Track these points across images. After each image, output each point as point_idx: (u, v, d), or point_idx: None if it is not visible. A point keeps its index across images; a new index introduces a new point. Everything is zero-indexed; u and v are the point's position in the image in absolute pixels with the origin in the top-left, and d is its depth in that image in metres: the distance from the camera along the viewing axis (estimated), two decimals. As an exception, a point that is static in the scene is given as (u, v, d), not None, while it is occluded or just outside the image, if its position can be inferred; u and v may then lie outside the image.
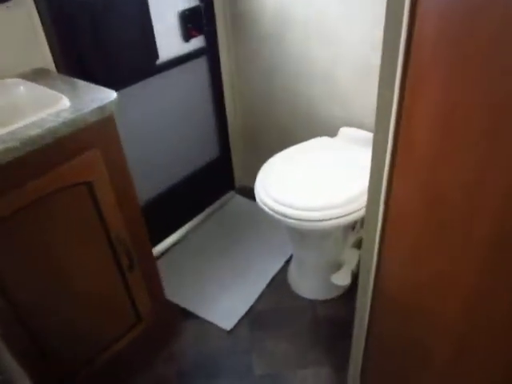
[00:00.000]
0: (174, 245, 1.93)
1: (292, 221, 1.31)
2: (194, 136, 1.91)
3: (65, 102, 1.02)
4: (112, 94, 1.05)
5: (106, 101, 1.02)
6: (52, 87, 1.12)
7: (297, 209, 1.30)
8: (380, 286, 1.01)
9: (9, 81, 1.17)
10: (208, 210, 2.09)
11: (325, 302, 1.64)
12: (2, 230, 0.93)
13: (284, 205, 1.31)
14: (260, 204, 1.39)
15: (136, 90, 1.58)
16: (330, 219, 1.30)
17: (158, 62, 1.62)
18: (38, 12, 1.22)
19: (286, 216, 1.31)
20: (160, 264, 1.80)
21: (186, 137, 1.87)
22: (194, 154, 1.95)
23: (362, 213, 1.33)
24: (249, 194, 2.18)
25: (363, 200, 1.33)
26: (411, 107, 0.74)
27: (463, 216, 0.72)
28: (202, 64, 1.81)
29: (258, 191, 1.40)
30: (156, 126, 1.72)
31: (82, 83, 1.14)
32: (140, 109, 1.63)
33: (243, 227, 1.99)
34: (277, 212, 1.33)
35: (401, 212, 0.86)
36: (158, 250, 1.87)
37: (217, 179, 2.12)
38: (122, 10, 1.43)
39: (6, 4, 1.16)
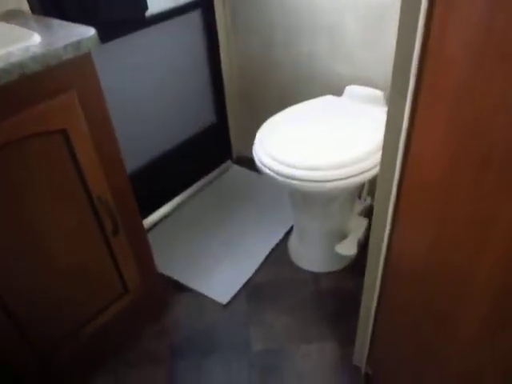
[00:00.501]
0: (167, 216, 1.81)
1: (294, 182, 1.19)
2: (188, 99, 1.77)
3: (35, 38, 0.89)
4: (89, 30, 0.92)
5: (82, 36, 0.89)
6: (22, 26, 0.98)
7: (300, 168, 1.18)
8: (395, 250, 0.89)
9: (-26, 21, 1.03)
10: (203, 181, 1.96)
11: (328, 274, 1.53)
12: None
13: (286, 164, 1.19)
14: (259, 165, 1.26)
15: (122, 44, 1.44)
16: (336, 180, 1.18)
17: (148, 13, 1.48)
18: None
19: (287, 177, 1.19)
20: (151, 236, 1.69)
21: (179, 99, 1.73)
22: (188, 119, 1.82)
23: (371, 173, 1.21)
24: (247, 163, 2.06)
25: (372, 160, 1.22)
26: (437, 48, 0.61)
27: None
28: (195, 18, 1.67)
29: (257, 150, 1.28)
30: (145, 86, 1.58)
31: (56, 22, 1.00)
32: (127, 67, 1.49)
33: (240, 198, 1.87)
34: (277, 173, 1.20)
35: (420, 170, 0.74)
36: (149, 221, 1.75)
37: (213, 147, 1.99)
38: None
39: None
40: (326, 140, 1.26)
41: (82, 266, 1.10)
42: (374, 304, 1.05)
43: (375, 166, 1.22)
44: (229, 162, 2.08)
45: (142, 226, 1.24)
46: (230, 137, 2.05)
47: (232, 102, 1.95)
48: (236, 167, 2.05)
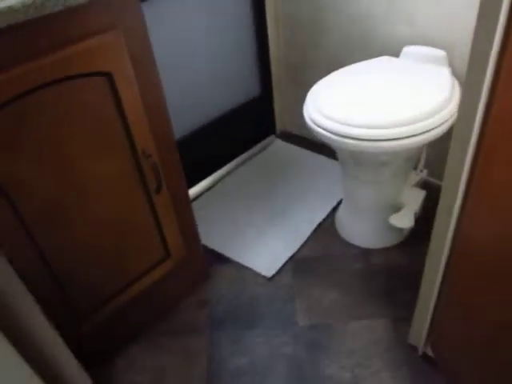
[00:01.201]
0: (210, 188, 1.75)
1: (350, 141, 1.09)
2: (232, 69, 1.70)
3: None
4: (137, -35, 0.86)
5: (129, -30, 0.83)
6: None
7: (355, 126, 1.08)
8: (465, 223, 0.79)
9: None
10: (246, 154, 1.89)
11: (379, 250, 1.43)
12: (5, 116, 0.76)
13: (341, 122, 1.10)
14: (310, 124, 1.17)
15: (162, 4, 1.39)
16: (395, 139, 1.08)
17: (194, -29, 1.42)
18: None
19: (342, 136, 1.10)
20: (194, 208, 1.63)
21: (223, 69, 1.67)
22: (232, 89, 1.75)
23: (432, 134, 1.10)
24: (291, 139, 1.97)
25: (434, 120, 1.10)
26: None
27: None
28: (242, -20, 1.60)
29: (309, 108, 1.19)
30: (190, 50, 1.52)
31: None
32: (172, 26, 1.44)
33: (285, 173, 1.79)
34: (332, 131, 1.11)
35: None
36: (192, 192, 1.70)
37: (256, 121, 1.91)
38: None
39: None
40: (383, 98, 1.15)
41: (124, 222, 1.05)
42: (439, 279, 0.95)
43: (437, 126, 1.11)
44: (273, 137, 2.00)
45: (186, 187, 1.18)
46: (275, 111, 1.96)
47: (278, 73, 1.86)
48: (279, 142, 1.97)
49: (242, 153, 1.89)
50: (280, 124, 2.01)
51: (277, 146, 1.95)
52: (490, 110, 0.65)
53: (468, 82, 0.67)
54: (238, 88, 1.77)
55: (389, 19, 1.44)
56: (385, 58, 1.37)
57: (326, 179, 1.72)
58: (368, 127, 1.07)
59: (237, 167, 1.84)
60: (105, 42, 0.84)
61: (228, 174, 1.81)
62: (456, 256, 0.87)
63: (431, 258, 0.94)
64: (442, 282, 0.95)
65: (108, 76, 0.88)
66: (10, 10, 0.70)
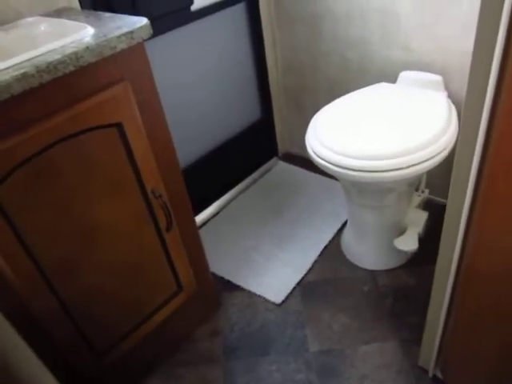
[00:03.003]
0: (216, 215, 1.78)
1: (352, 173, 1.13)
2: (233, 95, 1.74)
3: (88, 30, 0.87)
4: (141, 20, 0.89)
5: (135, 26, 0.87)
6: (75, 20, 0.98)
7: (357, 158, 1.11)
8: (470, 246, 0.82)
9: (29, 19, 1.03)
10: (250, 178, 1.93)
11: (385, 271, 1.45)
12: (23, 174, 0.80)
13: (342, 154, 1.13)
14: (313, 155, 1.21)
15: (168, 39, 1.43)
16: (396, 169, 1.11)
17: (193, 8, 1.46)
18: None
19: (344, 168, 1.13)
20: (201, 235, 1.66)
21: (225, 96, 1.71)
22: (234, 116, 1.79)
23: (433, 162, 1.14)
24: (294, 160, 2.01)
25: (434, 147, 1.14)
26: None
27: None
28: (240, 11, 1.64)
29: (310, 140, 1.23)
30: (191, 82, 1.56)
31: (108, 14, 0.99)
32: (173, 62, 1.48)
33: (289, 195, 1.82)
34: (334, 163, 1.15)
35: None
36: (198, 220, 1.73)
37: (259, 144, 1.95)
38: None
39: None
40: (383, 128, 1.19)
41: (137, 262, 1.08)
42: (446, 303, 0.97)
43: (438, 154, 1.14)
44: (275, 159, 2.03)
45: (194, 221, 1.21)
46: (276, 133, 2.00)
47: (277, 96, 1.90)
48: (282, 164, 2.01)
49: (246, 177, 1.92)
50: (282, 146, 2.05)
51: (280, 167, 1.99)
52: (491, 134, 0.68)
53: (467, 106, 0.70)
54: (239, 114, 1.81)
55: (385, 45, 1.48)
56: (382, 85, 1.41)
57: (330, 200, 1.75)
58: (368, 159, 1.10)
59: (242, 191, 1.87)
60: (114, 94, 0.87)
61: (233, 198, 1.84)
62: (461, 284, 0.90)
63: (437, 285, 0.97)
64: (449, 307, 0.98)
65: (118, 126, 0.91)
66: (25, 75, 0.73)
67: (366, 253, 1.46)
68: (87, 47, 0.80)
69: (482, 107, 0.67)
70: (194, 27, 1.49)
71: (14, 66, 0.76)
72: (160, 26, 1.39)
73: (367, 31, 1.49)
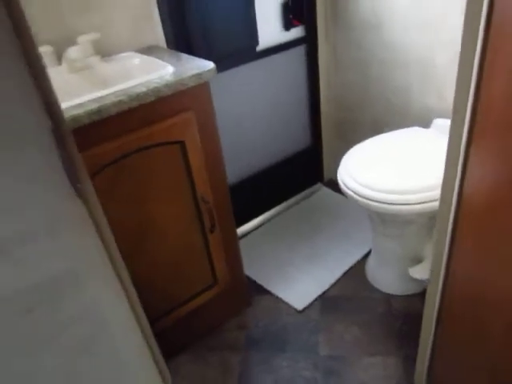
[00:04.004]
0: (257, 228, 2.00)
1: (373, 203, 1.31)
2: (286, 123, 1.98)
3: (168, 69, 1.14)
4: (210, 64, 1.15)
5: (203, 69, 1.13)
6: (159, 58, 1.26)
7: (378, 191, 1.30)
8: (452, 273, 0.98)
9: (125, 54, 1.33)
10: (294, 199, 2.14)
11: (401, 296, 1.60)
12: (110, 172, 1.07)
13: (365, 186, 1.32)
14: (341, 184, 1.40)
15: (234, 73, 1.69)
16: (412, 204, 1.28)
17: (258, 48, 1.72)
18: (156, -5, 1.38)
19: (366, 198, 1.32)
20: (243, 243, 1.89)
21: (278, 124, 1.94)
22: (285, 142, 2.02)
23: (446, 202, 1.29)
24: (336, 187, 2.19)
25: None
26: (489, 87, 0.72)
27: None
28: (300, 52, 1.88)
29: (341, 171, 1.42)
30: (249, 110, 1.82)
31: (185, 56, 1.26)
32: (235, 92, 1.74)
33: (327, 218, 2.01)
34: (357, 193, 1.34)
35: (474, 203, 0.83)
36: (241, 230, 1.96)
37: (305, 169, 2.16)
38: (228, 2, 1.55)
39: (131, -13, 1.33)
40: (407, 166, 1.36)
41: (184, 253, 1.33)
42: (433, 327, 1.12)
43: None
44: (319, 184, 2.23)
45: (234, 227, 1.44)
46: (323, 160, 2.20)
47: (327, 128, 2.11)
48: (326, 189, 2.20)
49: (290, 197, 2.13)
50: (327, 173, 2.24)
51: (323, 193, 2.18)
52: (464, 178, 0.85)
53: (448, 155, 0.87)
54: (290, 140, 2.04)
55: (423, 92, 1.65)
56: (415, 129, 1.57)
57: (362, 227, 1.91)
58: (389, 192, 1.28)
59: (284, 210, 2.09)
60: (182, 119, 1.14)
61: (276, 215, 2.06)
62: (444, 309, 1.05)
63: (427, 310, 1.12)
64: (436, 329, 1.12)
65: (181, 143, 1.17)
66: (120, 102, 1.01)
67: (385, 277, 1.62)
68: (166, 84, 1.07)
69: (458, 157, 0.85)
70: (257, 64, 1.75)
71: (113, 93, 1.04)
72: (228, 62, 1.66)
73: (408, 78, 1.67)
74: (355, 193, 1.34)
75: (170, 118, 1.12)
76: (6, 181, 0.52)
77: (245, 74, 1.73)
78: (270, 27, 1.74)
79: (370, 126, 1.92)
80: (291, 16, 1.77)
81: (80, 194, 0.59)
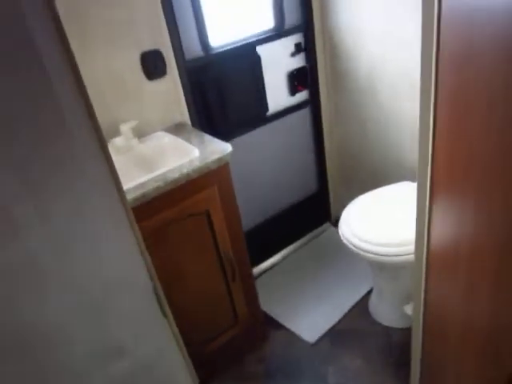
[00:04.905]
0: (271, 267, 2.25)
1: (369, 255, 1.55)
2: (295, 174, 2.23)
3: (195, 153, 1.41)
4: (228, 147, 1.42)
5: (224, 153, 1.39)
6: (187, 140, 1.53)
7: (374, 244, 1.53)
8: (427, 307, 1.21)
9: (158, 133, 1.61)
10: (304, 239, 2.38)
11: (400, 330, 1.81)
12: (152, 242, 1.34)
13: (363, 240, 1.56)
14: (342, 238, 1.64)
15: (248, 137, 1.97)
16: (405, 255, 1.51)
17: (268, 113, 1.99)
18: (181, 83, 1.66)
19: (363, 250, 1.56)
20: (258, 282, 2.14)
21: (287, 175, 2.20)
22: (295, 189, 2.27)
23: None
24: (342, 226, 2.43)
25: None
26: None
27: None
28: (305, 113, 2.14)
29: (341, 226, 1.67)
30: (262, 165, 2.08)
31: (207, 137, 1.53)
32: (250, 152, 2.01)
33: (334, 256, 2.24)
34: (356, 246, 1.58)
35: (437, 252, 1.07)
36: (256, 271, 2.20)
37: (314, 211, 2.40)
38: (241, 77, 1.83)
39: (163, 78, 1.61)
40: (400, 220, 1.59)
41: (210, 299, 1.58)
42: (418, 359, 1.35)
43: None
44: (328, 224, 2.47)
45: (252, 275, 1.70)
46: (330, 202, 2.45)
47: (332, 176, 2.36)
48: (333, 229, 2.43)
49: (301, 237, 2.37)
50: (335, 213, 2.48)
51: (331, 232, 2.42)
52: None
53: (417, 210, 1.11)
54: (299, 187, 2.29)
55: (413, 150, 1.88)
56: (407, 183, 1.81)
57: (367, 265, 2.14)
58: (383, 245, 1.52)
59: (296, 249, 2.33)
60: (207, 195, 1.40)
61: (289, 255, 2.30)
62: (424, 342, 1.27)
63: (414, 342, 1.34)
64: (421, 360, 1.34)
65: (206, 212, 1.43)
66: (158, 187, 1.28)
67: (385, 312, 1.84)
68: (194, 169, 1.33)
69: (425, 213, 1.09)
70: (268, 127, 2.02)
71: (152, 178, 1.31)
72: (243, 128, 1.93)
73: (401, 137, 1.91)
74: (354, 246, 1.58)
75: (197, 194, 1.38)
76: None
77: (257, 136, 2.00)
78: (277, 94, 2.01)
79: (369, 174, 2.16)
80: (296, 83, 2.04)
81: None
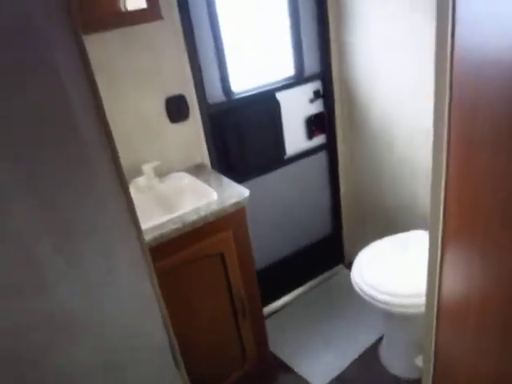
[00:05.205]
0: (282, 308, 2.25)
1: (380, 304, 1.55)
2: (309, 215, 2.27)
3: (213, 196, 1.45)
4: (246, 192, 1.46)
5: (241, 197, 1.44)
6: (206, 181, 1.58)
7: (385, 293, 1.54)
8: (437, 356, 1.20)
9: (178, 174, 1.67)
10: (317, 280, 2.39)
11: (408, 380, 1.79)
12: (167, 280, 1.37)
13: (374, 289, 1.57)
14: (353, 284, 1.66)
15: (265, 179, 2.02)
16: (415, 306, 1.51)
17: (285, 156, 2.04)
18: (203, 126, 1.73)
19: (374, 299, 1.56)
20: (268, 322, 2.13)
21: (302, 216, 2.23)
22: (308, 230, 2.30)
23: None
24: (355, 268, 2.43)
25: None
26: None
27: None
28: (321, 157, 2.19)
29: (353, 271, 1.68)
30: (277, 206, 2.12)
31: (226, 180, 1.58)
32: (265, 192, 2.05)
33: (346, 300, 2.23)
34: (366, 294, 1.58)
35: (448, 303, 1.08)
36: (267, 310, 2.21)
37: (327, 253, 2.42)
38: (261, 122, 1.90)
39: (185, 121, 1.69)
40: (410, 270, 1.60)
41: (219, 335, 1.59)
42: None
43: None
44: (341, 266, 2.47)
45: (263, 314, 1.71)
46: (344, 245, 2.46)
47: (347, 217, 2.38)
48: (346, 271, 2.44)
49: (313, 278, 2.38)
50: (348, 255, 2.49)
51: (343, 275, 2.42)
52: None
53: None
54: (313, 229, 2.32)
55: (427, 198, 1.90)
56: (420, 232, 1.83)
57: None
58: (393, 295, 1.53)
59: (308, 291, 2.34)
60: (222, 237, 1.44)
61: (300, 296, 2.31)
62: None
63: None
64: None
65: (221, 254, 1.47)
66: (177, 229, 1.32)
67: (395, 361, 1.82)
68: (211, 212, 1.38)
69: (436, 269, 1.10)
70: (284, 170, 2.07)
71: (171, 219, 1.35)
72: (259, 170, 1.99)
73: (415, 185, 1.94)
74: (365, 294, 1.59)
75: (213, 236, 1.42)
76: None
77: (274, 178, 2.05)
78: (295, 138, 2.07)
79: (383, 218, 2.18)
80: (314, 128, 2.10)
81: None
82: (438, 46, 0.88)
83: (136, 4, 1.45)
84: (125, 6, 1.45)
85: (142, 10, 1.46)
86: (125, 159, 1.51)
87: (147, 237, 1.29)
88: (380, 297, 1.55)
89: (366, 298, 1.59)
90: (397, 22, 1.75)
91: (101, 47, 1.44)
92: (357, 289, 1.64)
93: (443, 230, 1.05)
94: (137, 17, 1.46)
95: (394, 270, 1.62)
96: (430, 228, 1.09)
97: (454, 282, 1.06)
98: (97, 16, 1.40)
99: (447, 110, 0.94)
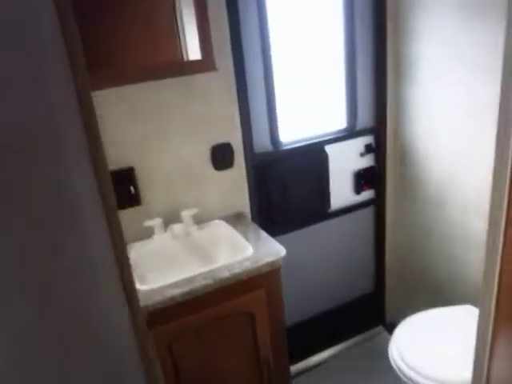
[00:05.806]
0: (313, 368, 2.13)
1: (414, 384, 1.42)
2: (351, 272, 2.16)
3: (249, 252, 1.40)
4: (282, 251, 1.40)
5: (277, 256, 1.38)
6: (243, 233, 1.54)
7: (424, 377, 1.41)
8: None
9: (216, 222, 1.64)
10: (353, 340, 2.25)
11: None
12: (192, 336, 1.33)
13: (413, 370, 1.44)
14: (392, 364, 1.53)
15: (307, 231, 1.95)
16: None
17: (329, 210, 1.97)
18: (247, 175, 1.70)
19: (412, 380, 1.43)
20: (296, 382, 2.03)
21: (343, 272, 2.13)
22: (349, 287, 2.18)
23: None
24: (396, 332, 2.27)
25: None
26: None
27: None
28: (368, 212, 2.10)
29: (391, 346, 1.56)
30: (317, 260, 2.03)
31: (263, 235, 1.53)
32: (306, 245, 1.98)
33: (384, 365, 2.07)
34: (404, 373, 1.46)
35: None
36: (296, 368, 2.09)
37: (367, 312, 2.28)
38: (307, 173, 1.85)
39: (230, 169, 1.67)
40: (454, 353, 1.46)
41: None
42: None
43: None
44: (381, 327, 2.33)
45: (289, 379, 1.61)
46: (385, 306, 2.32)
47: (391, 279, 2.25)
48: (386, 334, 2.28)
49: (350, 338, 2.25)
50: (389, 317, 2.34)
51: (383, 337, 2.27)
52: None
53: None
54: (354, 286, 2.20)
55: (480, 269, 1.76)
56: (468, 308, 1.68)
57: None
58: (431, 380, 1.39)
59: (343, 351, 2.20)
60: (253, 296, 1.38)
61: (333, 356, 2.18)
62: None
63: None
64: None
65: (251, 313, 1.41)
66: (207, 285, 1.28)
67: None
68: (245, 270, 1.33)
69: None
70: (328, 223, 1.99)
71: (202, 274, 1.31)
72: (302, 222, 1.92)
73: (467, 256, 1.80)
74: (403, 374, 1.47)
75: (244, 295, 1.37)
76: None
77: (317, 231, 1.98)
78: (342, 192, 1.99)
79: (430, 285, 2.04)
80: (363, 182, 2.02)
81: None
82: (501, 121, 0.80)
83: (192, 55, 1.47)
84: (182, 56, 1.48)
85: (198, 61, 1.47)
86: (164, 203, 1.52)
87: (176, 291, 1.26)
88: (418, 379, 1.42)
89: (403, 378, 1.46)
90: (457, 85, 1.66)
91: (156, 93, 1.47)
92: (394, 365, 1.51)
93: (496, 309, 0.94)
94: (192, 67, 1.48)
95: (437, 351, 1.48)
96: (481, 305, 0.98)
97: (507, 373, 0.94)
98: (154, 65, 1.43)
99: (508, 181, 0.85)
